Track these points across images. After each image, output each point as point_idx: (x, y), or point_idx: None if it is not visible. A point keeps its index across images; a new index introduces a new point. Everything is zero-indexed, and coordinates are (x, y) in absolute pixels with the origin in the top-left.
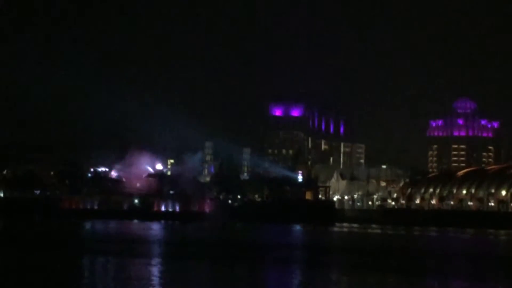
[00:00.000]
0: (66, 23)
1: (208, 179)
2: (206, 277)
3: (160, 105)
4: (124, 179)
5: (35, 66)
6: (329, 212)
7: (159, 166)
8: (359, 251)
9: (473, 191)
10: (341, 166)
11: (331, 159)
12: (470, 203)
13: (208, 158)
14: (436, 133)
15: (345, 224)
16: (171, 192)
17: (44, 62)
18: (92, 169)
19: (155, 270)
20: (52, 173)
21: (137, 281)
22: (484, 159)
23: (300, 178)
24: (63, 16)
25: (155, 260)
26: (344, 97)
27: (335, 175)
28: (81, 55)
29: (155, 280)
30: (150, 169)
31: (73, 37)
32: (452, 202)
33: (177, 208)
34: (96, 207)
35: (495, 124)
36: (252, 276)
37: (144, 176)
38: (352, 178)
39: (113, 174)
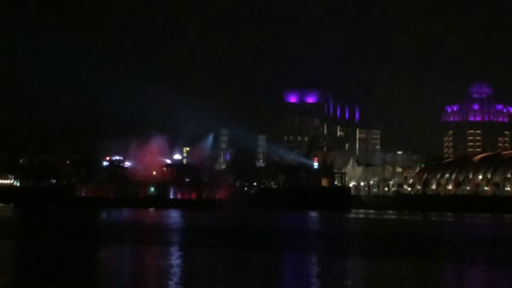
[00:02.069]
0: (87, 14)
1: (223, 166)
2: (224, 264)
3: (175, 93)
4: (139, 167)
5: (51, 56)
6: (345, 198)
7: (177, 156)
8: (375, 237)
9: (489, 176)
10: (357, 152)
11: (347, 145)
12: (486, 188)
13: (223, 145)
14: (451, 119)
15: (361, 210)
16: (187, 180)
17: (60, 52)
18: (107, 158)
19: (173, 258)
20: (68, 162)
21: (155, 269)
22: (500, 144)
23: (315, 164)
24: (84, 8)
25: (172, 248)
26: (359, 83)
27: (350, 162)
28: (95, 44)
29: (174, 268)
30: (167, 158)
31: (90, 26)
32: (468, 187)
33: (193, 196)
34: (112, 196)
35: (511, 109)
36: (269, 263)
37: (160, 164)
38: (368, 164)
39: (129, 162)
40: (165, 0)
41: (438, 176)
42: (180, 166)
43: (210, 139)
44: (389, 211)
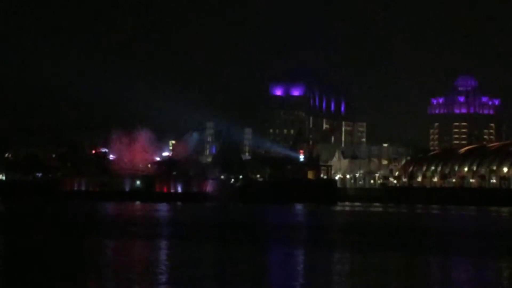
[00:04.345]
0: (70, 7)
1: (209, 159)
2: (210, 257)
3: (161, 86)
4: (126, 161)
5: (36, 47)
6: (331, 191)
7: (165, 153)
8: (361, 230)
9: (474, 168)
10: (343, 145)
11: (333, 138)
12: (472, 180)
13: (209, 138)
14: (437, 111)
15: (347, 203)
16: (173, 173)
17: (45, 43)
18: (93, 151)
19: (160, 252)
20: (53, 155)
21: (142, 263)
22: (485, 137)
23: (301, 157)
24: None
25: (159, 242)
26: (345, 76)
27: (336, 154)
28: (83, 37)
29: (160, 261)
30: (154, 154)
31: (75, 20)
32: (454, 180)
33: (179, 189)
34: (98, 189)
35: (496, 101)
36: (255, 256)
37: (147, 160)
38: (353, 157)
39: (115, 155)
40: None
41: (424, 168)
42: (166, 159)
43: (194, 135)
44: (375, 204)
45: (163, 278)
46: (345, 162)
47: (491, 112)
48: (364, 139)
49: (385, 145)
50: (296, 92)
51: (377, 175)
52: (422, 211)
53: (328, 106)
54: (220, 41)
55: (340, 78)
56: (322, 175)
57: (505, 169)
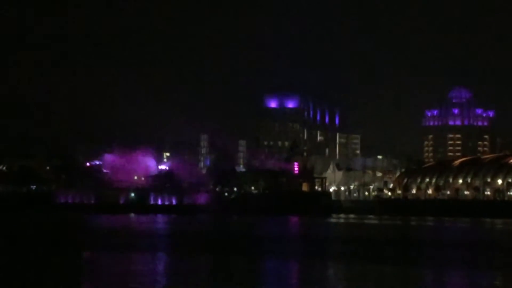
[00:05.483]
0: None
1: (204, 171)
2: (205, 269)
3: (155, 98)
4: (120, 173)
5: (31, 58)
6: (325, 203)
7: (162, 167)
8: (356, 242)
9: (469, 180)
10: (337, 157)
11: (327, 150)
12: (466, 192)
13: (203, 150)
14: (431, 123)
15: (341, 215)
16: (167, 185)
17: (42, 58)
18: (88, 163)
19: (154, 264)
20: (48, 167)
21: (137, 276)
22: (479, 148)
23: (296, 169)
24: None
25: (154, 254)
26: (339, 88)
27: (331, 166)
28: (78, 50)
29: (155, 273)
30: (150, 168)
31: (71, 33)
32: (448, 192)
33: (173, 201)
34: (92, 201)
35: (491, 113)
36: (250, 268)
37: (142, 173)
38: (348, 169)
39: (109, 167)
40: (146, 8)
41: (418, 180)
42: (161, 172)
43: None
44: (370, 216)
45: None
46: (339, 174)
47: (485, 124)
48: (358, 151)
49: (380, 157)
50: (290, 104)
51: (371, 187)
52: (416, 223)
53: (323, 118)
54: (215, 54)
55: (334, 90)
56: (316, 187)
57: (499, 181)
